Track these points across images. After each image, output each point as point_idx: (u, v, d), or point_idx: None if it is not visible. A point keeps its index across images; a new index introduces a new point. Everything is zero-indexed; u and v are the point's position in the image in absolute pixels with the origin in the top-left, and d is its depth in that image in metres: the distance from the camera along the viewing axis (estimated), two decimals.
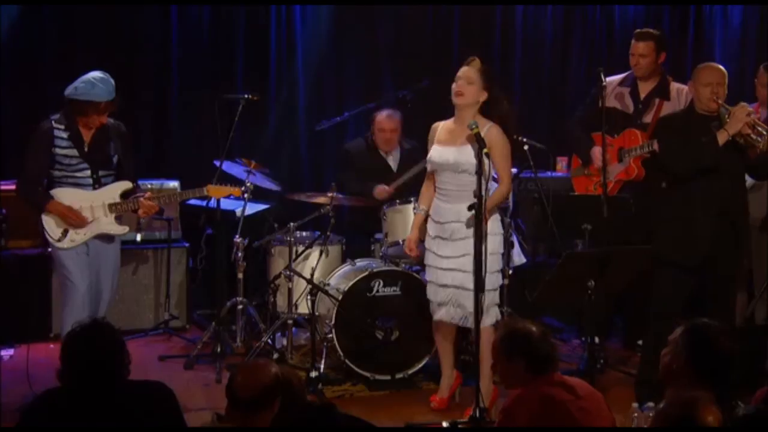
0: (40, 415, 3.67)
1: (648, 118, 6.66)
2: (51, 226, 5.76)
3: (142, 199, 5.89)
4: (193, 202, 7.32)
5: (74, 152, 5.74)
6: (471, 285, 5.35)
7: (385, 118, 7.18)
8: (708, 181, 5.69)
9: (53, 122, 5.72)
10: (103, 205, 5.81)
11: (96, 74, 5.71)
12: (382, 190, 6.94)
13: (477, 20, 8.49)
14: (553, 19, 8.63)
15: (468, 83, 5.52)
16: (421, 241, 5.83)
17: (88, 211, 5.78)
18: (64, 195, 5.76)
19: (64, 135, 5.71)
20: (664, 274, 5.86)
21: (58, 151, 5.70)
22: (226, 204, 6.90)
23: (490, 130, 5.48)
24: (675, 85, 6.75)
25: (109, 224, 5.85)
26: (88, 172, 5.80)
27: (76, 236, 5.77)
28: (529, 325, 4.08)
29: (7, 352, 6.70)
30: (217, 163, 6.45)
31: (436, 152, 5.65)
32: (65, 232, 5.76)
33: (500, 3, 8.49)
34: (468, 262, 5.39)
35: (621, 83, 6.79)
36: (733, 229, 5.81)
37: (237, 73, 8.04)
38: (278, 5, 8.08)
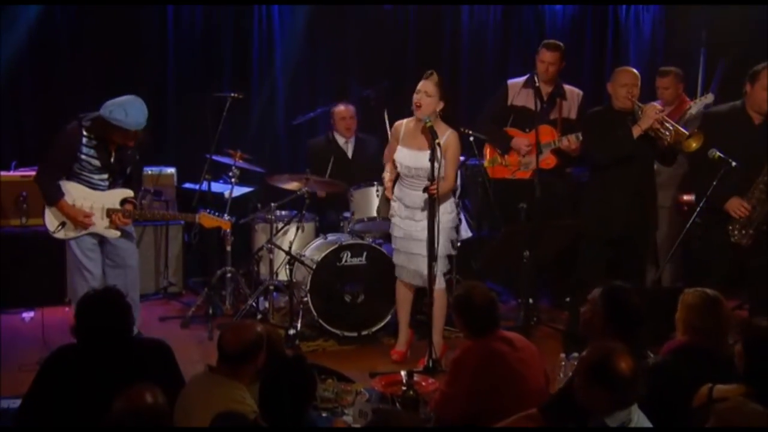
0: (57, 366, 3.68)
1: (554, 115, 6.51)
2: (50, 217, 5.52)
3: (126, 206, 5.58)
4: (187, 185, 7.29)
5: (98, 162, 5.43)
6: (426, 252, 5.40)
7: (343, 109, 7.28)
8: (624, 168, 5.73)
9: (83, 129, 5.37)
10: (103, 209, 5.52)
11: (132, 102, 5.34)
12: None
13: (429, 26, 8.43)
14: (494, 25, 8.59)
15: (427, 96, 5.44)
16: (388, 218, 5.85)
17: (88, 210, 5.50)
18: (74, 189, 5.48)
19: (91, 144, 5.39)
20: (587, 246, 5.91)
21: (82, 155, 5.39)
22: (216, 187, 6.88)
23: (449, 137, 5.47)
24: (567, 87, 6.62)
25: (103, 227, 5.55)
26: (106, 176, 5.52)
27: (70, 232, 5.51)
28: (478, 294, 4.08)
29: (27, 315, 6.65)
30: (208, 156, 6.40)
31: (405, 156, 5.57)
32: (62, 225, 5.50)
33: (448, 3, 8.42)
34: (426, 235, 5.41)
35: (524, 85, 6.58)
36: (644, 207, 5.87)
37: (224, 75, 7.95)
38: (260, 5, 7.97)
